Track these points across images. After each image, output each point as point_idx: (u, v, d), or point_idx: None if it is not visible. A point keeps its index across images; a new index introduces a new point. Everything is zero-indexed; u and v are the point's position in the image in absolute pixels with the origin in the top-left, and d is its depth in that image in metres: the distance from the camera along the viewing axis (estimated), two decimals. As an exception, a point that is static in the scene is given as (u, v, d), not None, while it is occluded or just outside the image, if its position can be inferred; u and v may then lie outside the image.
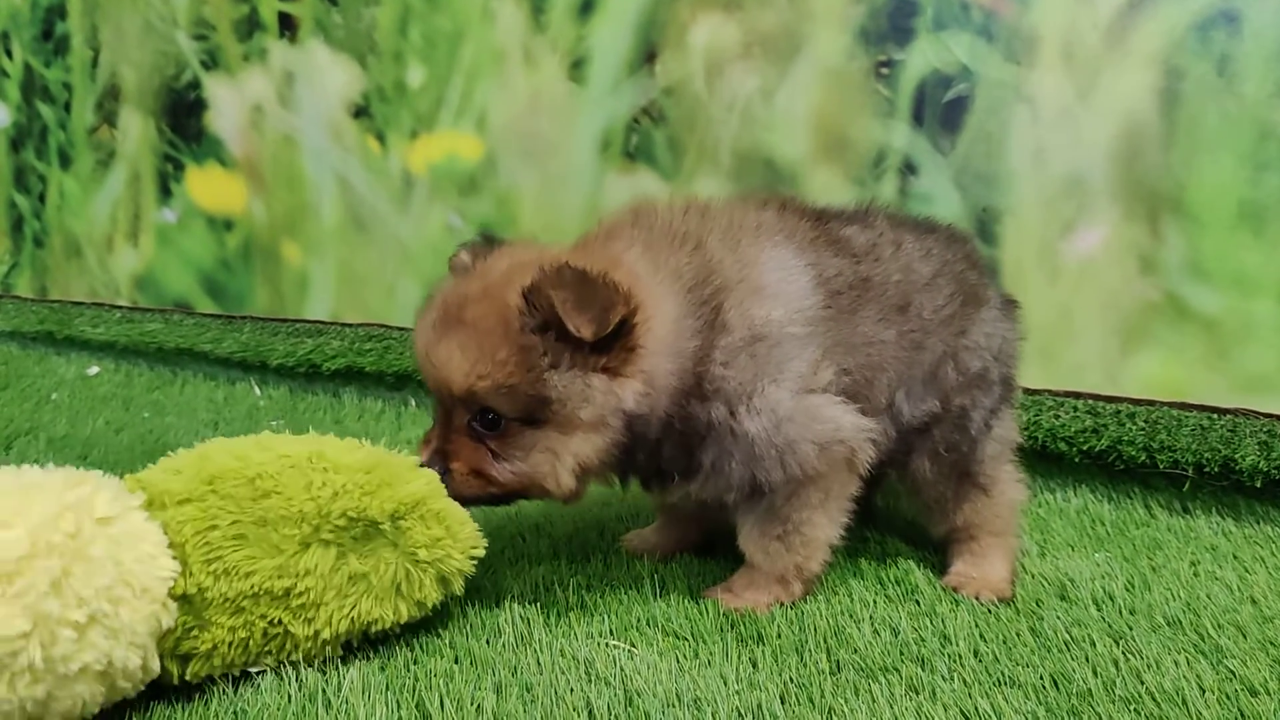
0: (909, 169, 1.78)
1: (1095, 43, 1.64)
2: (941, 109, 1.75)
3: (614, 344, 1.02)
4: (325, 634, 0.97)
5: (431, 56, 2.20)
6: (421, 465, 1.07)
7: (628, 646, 1.04)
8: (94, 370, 2.49)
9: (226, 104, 2.48)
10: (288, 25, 2.36)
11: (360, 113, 2.30)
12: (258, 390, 2.30)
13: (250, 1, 2.41)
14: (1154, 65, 1.60)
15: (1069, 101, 1.66)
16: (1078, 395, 1.67)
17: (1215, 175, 1.58)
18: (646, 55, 1.98)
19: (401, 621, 1.02)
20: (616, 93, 2.02)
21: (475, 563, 1.07)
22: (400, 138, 2.25)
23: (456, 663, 1.00)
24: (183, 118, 2.56)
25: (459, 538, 1.04)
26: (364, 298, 2.34)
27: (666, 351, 1.05)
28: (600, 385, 1.02)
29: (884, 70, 1.79)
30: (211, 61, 2.50)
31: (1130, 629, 1.11)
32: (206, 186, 2.53)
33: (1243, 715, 0.92)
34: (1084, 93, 1.65)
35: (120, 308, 2.71)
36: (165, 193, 2.61)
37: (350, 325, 2.32)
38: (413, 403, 2.18)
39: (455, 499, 1.06)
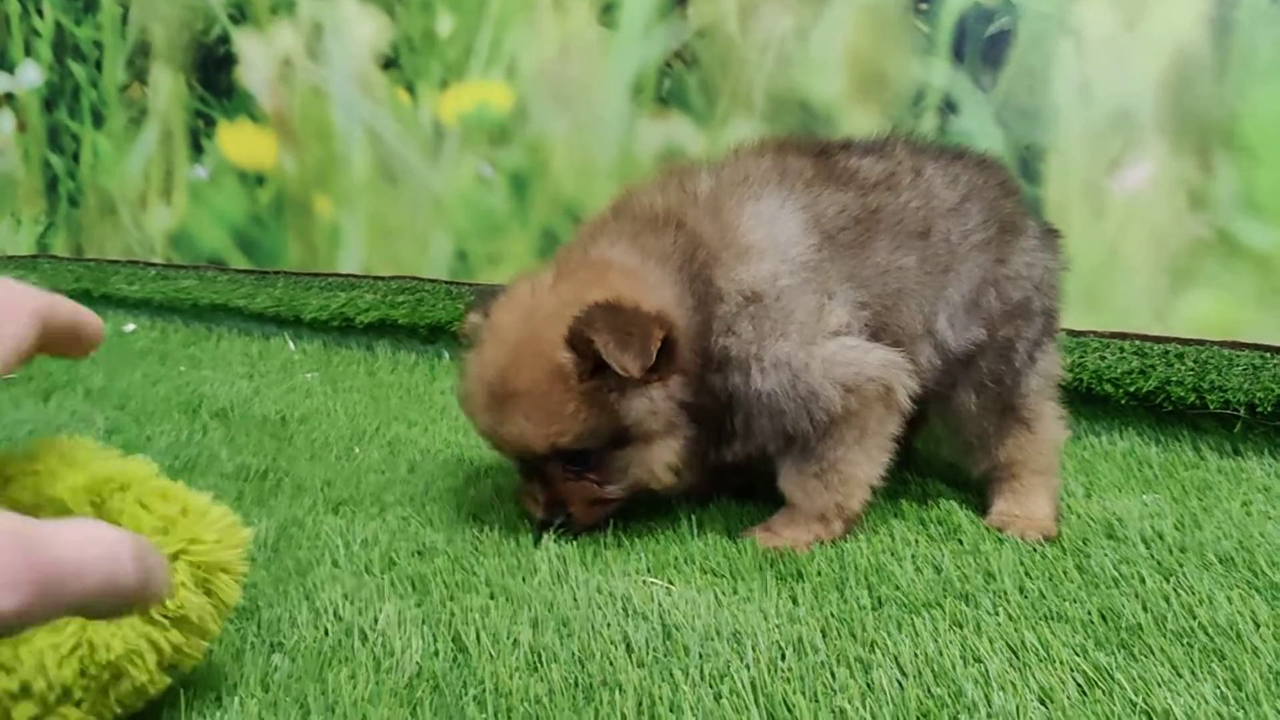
0: (949, 107, 1.73)
1: (1144, -30, 1.58)
2: (982, 44, 1.70)
3: (659, 360, 1.04)
4: (39, 685, 0.65)
5: (460, 5, 2.17)
6: (542, 521, 1.13)
7: (665, 584, 1.03)
8: (130, 327, 2.51)
9: (256, 58, 2.47)
10: (316, -24, 2.34)
11: (389, 64, 2.28)
12: (292, 345, 2.30)
13: (277, -47, 2.39)
14: (1205, -8, 1.55)
15: (1116, 32, 1.61)
16: (1124, 336, 1.63)
17: (1270, 105, 1.53)
18: (678, -4, 1.95)
19: (165, 657, 0.70)
20: (648, 36, 1.98)
21: (246, 561, 0.76)
22: (430, 88, 2.23)
23: (492, 599, 0.99)
24: (213, 73, 2.55)
25: (207, 519, 0.73)
26: (395, 250, 2.33)
27: (680, 335, 1.07)
28: (659, 394, 1.06)
29: (923, 5, 1.74)
30: (240, 15, 2.48)
31: (1180, 566, 1.08)
32: (238, 142, 2.53)
33: (1301, 650, 0.90)
34: (1131, 23, 1.60)
35: (155, 265, 2.72)
36: (197, 149, 2.60)
37: (382, 278, 2.32)
38: (446, 355, 2.17)
39: (587, 530, 1.13)
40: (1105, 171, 1.63)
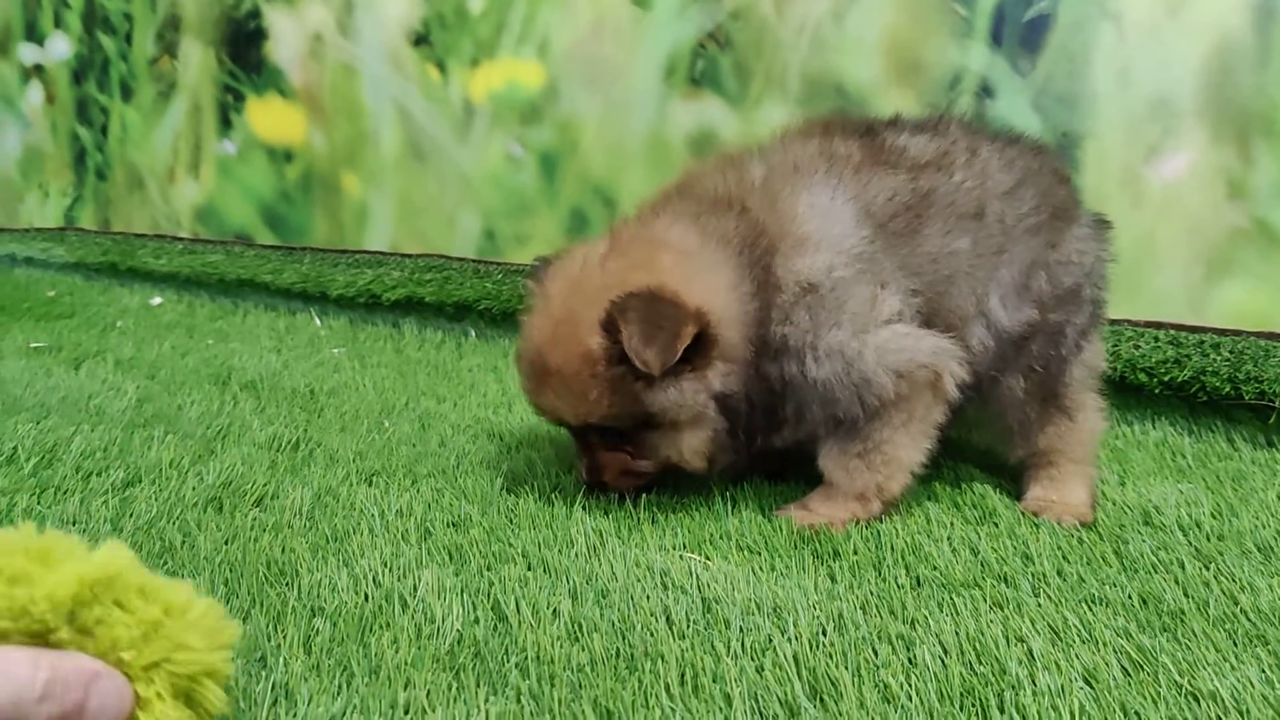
0: (985, 92, 1.72)
1: (1188, -44, 1.57)
2: (1021, 28, 1.68)
3: (695, 353, 1.05)
4: None
5: (493, -20, 2.16)
6: (584, 484, 1.16)
7: (703, 559, 1.02)
8: (157, 301, 2.51)
9: (286, 33, 2.47)
10: (348, -50, 2.34)
11: (420, 41, 2.27)
12: (318, 321, 2.31)
13: (310, -73, 2.39)
14: (1250, -21, 1.53)
15: (1157, 18, 1.60)
16: (1160, 325, 1.62)
17: (1312, 95, 1.51)
18: (713, -24, 1.93)
19: None
20: (682, 17, 1.97)
21: (233, 661, 0.66)
22: (460, 66, 2.23)
23: (530, 570, 0.99)
24: (243, 48, 2.55)
25: (190, 618, 0.64)
26: (423, 229, 2.33)
27: (733, 321, 1.07)
28: (689, 386, 1.06)
29: (961, -12, 1.72)
30: (271, -10, 2.49)
31: (1220, 554, 1.07)
32: (266, 117, 2.53)
33: (1345, 637, 0.89)
34: (1174, 9, 1.58)
35: (182, 239, 2.73)
36: (225, 124, 2.61)
37: (409, 256, 2.32)
38: (472, 333, 2.17)
39: (624, 496, 1.16)
40: (1143, 159, 1.62)
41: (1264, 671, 0.81)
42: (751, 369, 1.09)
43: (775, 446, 1.17)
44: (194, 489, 1.17)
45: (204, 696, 0.63)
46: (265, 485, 1.19)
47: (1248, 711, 0.75)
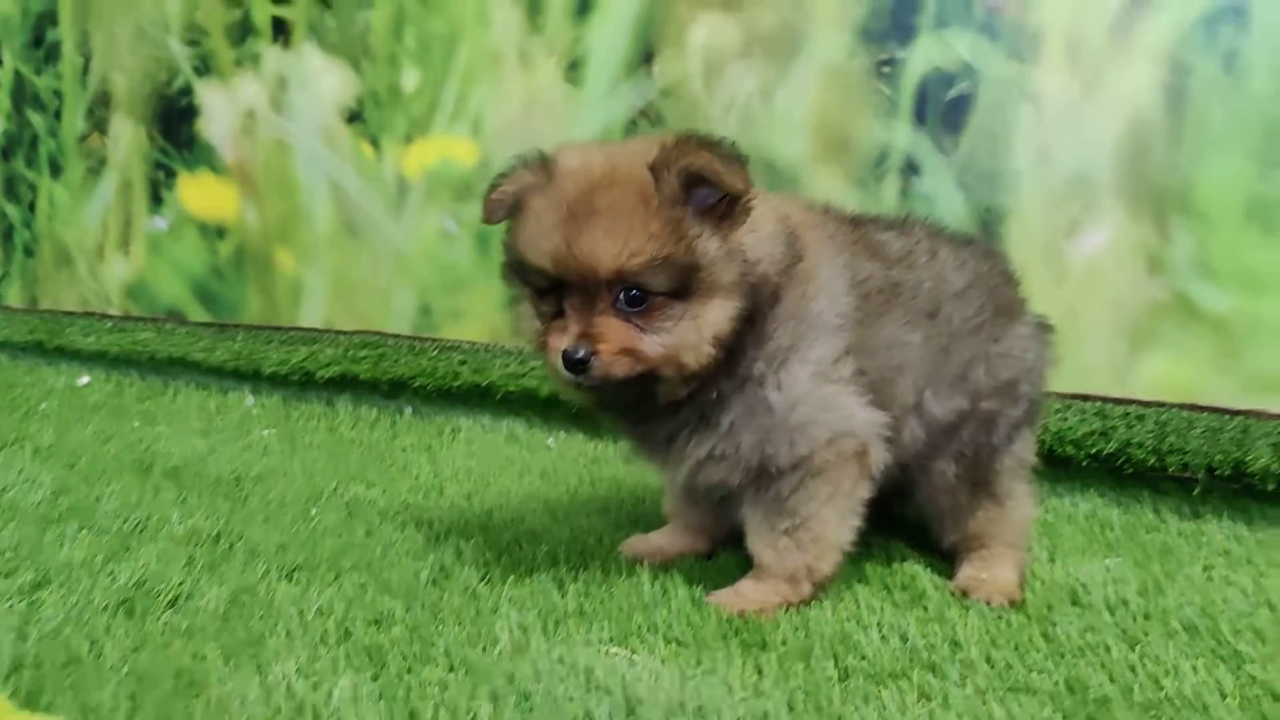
0: (911, 169, 1.75)
1: (1100, 39, 1.62)
2: (944, 108, 1.72)
3: (736, 207, 1.07)
4: None
5: (426, 60, 2.17)
6: (564, 351, 1.06)
7: (629, 653, 1.01)
8: (85, 380, 2.46)
9: (219, 110, 2.46)
10: (281, 30, 2.35)
11: (354, 117, 2.28)
12: (250, 399, 2.27)
13: (243, 6, 2.39)
14: (1160, 61, 1.58)
15: (1074, 99, 1.64)
16: (1086, 398, 1.64)
17: (1223, 172, 1.56)
18: (644, 56, 1.96)
19: None
20: (614, 94, 1.99)
21: None
22: (394, 142, 2.23)
23: (451, 671, 0.96)
24: (174, 124, 2.54)
25: None
26: (358, 305, 2.31)
27: (766, 235, 1.10)
28: (734, 242, 1.07)
29: (885, 69, 1.76)
30: (204, 67, 2.48)
31: (1146, 634, 1.08)
32: (198, 193, 2.51)
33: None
34: (1089, 90, 1.63)
35: (111, 317, 2.68)
36: (157, 200, 2.58)
37: (344, 333, 2.30)
38: (408, 410, 2.15)
39: (602, 380, 1.06)
40: (1065, 235, 1.65)
41: (1186, 764, 0.81)
42: (760, 296, 1.09)
43: (684, 478, 1.17)
44: (105, 590, 1.12)
45: None
46: (180, 584, 1.15)
47: (1170, 809, 0.75)
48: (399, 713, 0.88)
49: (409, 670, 0.96)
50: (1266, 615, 1.14)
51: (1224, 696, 0.93)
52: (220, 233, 2.49)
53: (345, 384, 2.19)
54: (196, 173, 2.50)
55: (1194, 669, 0.99)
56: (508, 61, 2.08)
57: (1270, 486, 1.47)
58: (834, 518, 1.14)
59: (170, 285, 2.59)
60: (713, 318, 1.06)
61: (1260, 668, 0.99)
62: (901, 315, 1.18)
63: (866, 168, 1.78)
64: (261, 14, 2.36)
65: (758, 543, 1.16)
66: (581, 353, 1.05)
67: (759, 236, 1.09)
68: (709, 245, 1.05)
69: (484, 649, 1.01)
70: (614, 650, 1.01)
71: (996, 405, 1.23)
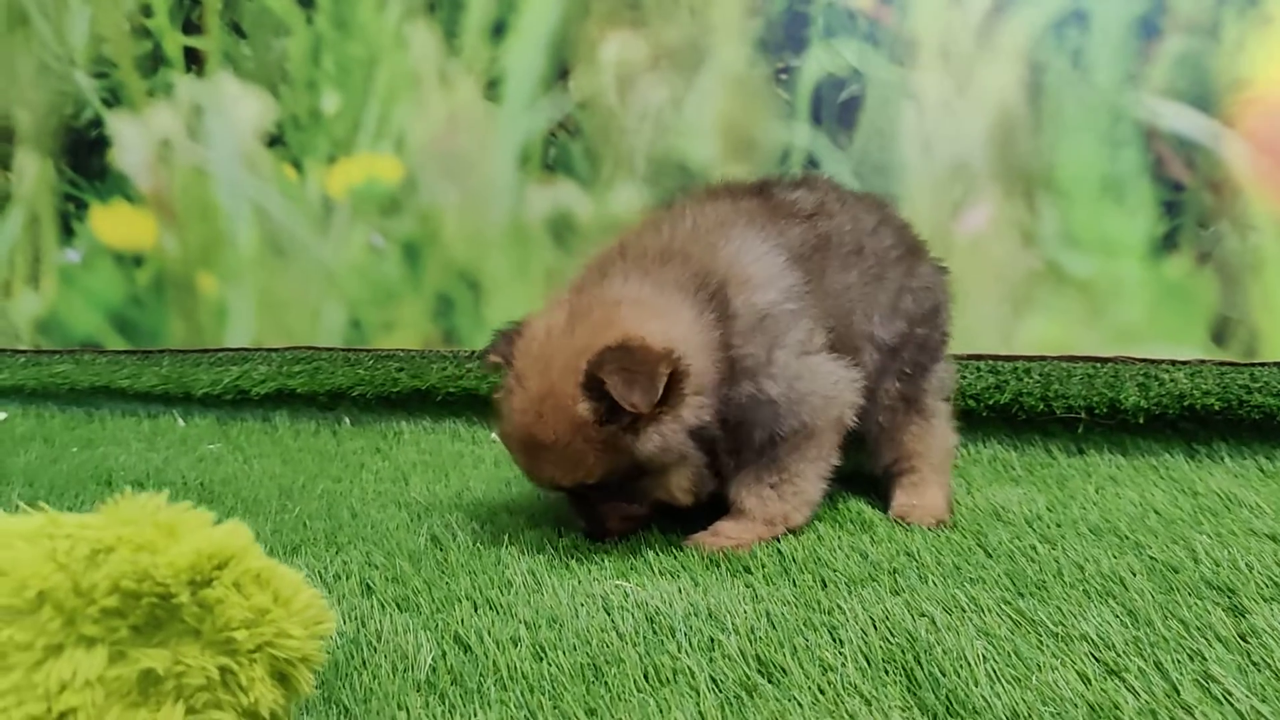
0: (812, 164, 1.94)
1: (968, 43, 1.84)
2: (837, 109, 1.92)
3: (668, 394, 1.14)
4: None
5: (346, 83, 2.26)
6: (587, 532, 1.27)
7: (634, 587, 1.13)
8: (1, 416, 2.42)
9: (131, 140, 2.48)
10: (194, 59, 2.39)
11: (275, 141, 2.34)
12: (182, 422, 2.29)
13: (153, 38, 2.42)
14: (1019, 61, 1.82)
15: (948, 96, 1.86)
16: (979, 357, 1.85)
17: (1078, 154, 1.80)
18: (559, 72, 2.10)
19: None
20: (533, 109, 2.13)
21: (326, 650, 0.75)
22: (317, 163, 2.30)
23: (478, 609, 1.06)
24: (84, 156, 2.53)
25: (294, 607, 0.71)
26: (287, 322, 2.36)
27: (700, 350, 1.17)
28: (669, 427, 1.15)
29: (783, 76, 1.95)
30: (114, 99, 2.49)
31: (1063, 537, 1.26)
32: (112, 224, 2.51)
33: (1170, 586, 1.08)
34: (961, 88, 1.85)
35: (23, 352, 2.64)
36: (68, 233, 2.57)
37: (276, 350, 2.34)
38: (347, 420, 2.21)
39: (624, 534, 1.27)
40: (950, 215, 1.87)
41: (1117, 616, 0.98)
42: (721, 394, 1.19)
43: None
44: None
45: (297, 680, 0.71)
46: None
47: (1113, 645, 0.92)
48: (445, 640, 0.98)
49: (439, 610, 1.06)
50: (1154, 518, 1.33)
51: (1134, 574, 1.11)
52: (138, 261, 2.50)
53: (281, 399, 2.23)
54: (110, 203, 2.51)
55: (1108, 556, 1.17)
56: (427, 82, 2.19)
57: (1140, 420, 1.70)
58: (814, 475, 1.29)
59: (85, 317, 2.58)
60: (674, 482, 1.21)
61: (1159, 550, 1.18)
62: (838, 262, 1.31)
63: (772, 165, 1.96)
64: (173, 45, 2.40)
65: (741, 490, 1.28)
66: (594, 534, 1.27)
67: (698, 401, 1.16)
68: (644, 443, 1.15)
69: (501, 590, 1.12)
70: (620, 583, 1.13)
71: (926, 330, 1.40)
